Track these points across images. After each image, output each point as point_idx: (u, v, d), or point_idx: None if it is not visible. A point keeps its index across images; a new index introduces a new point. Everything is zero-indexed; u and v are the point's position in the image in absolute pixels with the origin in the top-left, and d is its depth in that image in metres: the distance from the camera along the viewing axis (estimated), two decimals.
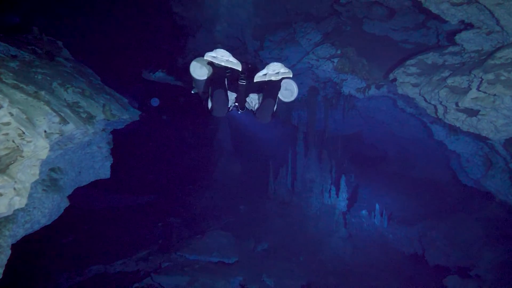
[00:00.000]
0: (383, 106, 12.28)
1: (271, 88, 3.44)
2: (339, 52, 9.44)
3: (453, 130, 9.07)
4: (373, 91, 9.33)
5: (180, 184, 19.18)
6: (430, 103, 6.35)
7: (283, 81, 3.53)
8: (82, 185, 7.81)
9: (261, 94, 3.70)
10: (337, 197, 14.33)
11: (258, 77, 3.39)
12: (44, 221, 6.27)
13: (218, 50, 3.33)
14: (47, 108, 5.05)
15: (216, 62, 3.28)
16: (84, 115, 6.58)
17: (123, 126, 8.85)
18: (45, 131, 4.97)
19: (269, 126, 20.45)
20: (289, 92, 3.74)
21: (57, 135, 5.27)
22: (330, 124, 14.17)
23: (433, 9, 5.90)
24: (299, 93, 12.73)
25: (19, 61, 6.65)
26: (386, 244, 13.50)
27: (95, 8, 14.05)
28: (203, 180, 19.36)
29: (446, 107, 5.93)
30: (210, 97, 3.48)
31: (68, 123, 5.46)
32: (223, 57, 3.30)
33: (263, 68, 3.43)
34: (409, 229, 13.63)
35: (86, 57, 10.17)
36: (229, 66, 3.29)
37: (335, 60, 9.53)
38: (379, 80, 8.94)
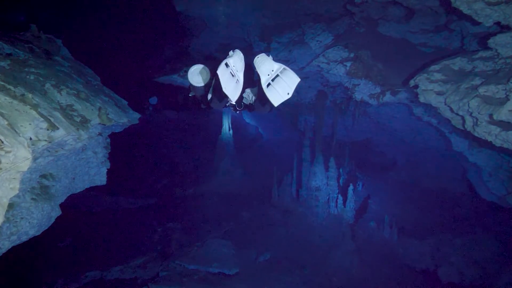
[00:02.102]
0: (396, 113, 11.69)
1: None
2: (352, 55, 8.87)
3: (477, 141, 8.50)
4: (388, 97, 8.75)
5: (181, 187, 18.63)
6: (457, 113, 5.77)
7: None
8: (76, 192, 7.26)
9: (256, 88, 3.70)
10: (344, 207, 13.74)
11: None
12: (33, 232, 5.75)
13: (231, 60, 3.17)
14: (34, 112, 4.50)
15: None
16: (78, 119, 6.03)
17: (121, 130, 8.31)
18: (30, 138, 4.42)
19: (274, 130, 19.92)
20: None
21: (45, 143, 4.72)
22: (339, 130, 13.57)
23: (464, 9, 5.34)
24: (306, 97, 12.12)
25: (12, 60, 6.13)
26: (395, 258, 12.88)
27: (98, 7, 13.63)
28: (204, 184, 18.81)
29: (477, 119, 5.34)
30: (211, 90, 3.53)
31: (58, 128, 4.91)
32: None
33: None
34: (420, 244, 13.03)
35: (87, 56, 9.70)
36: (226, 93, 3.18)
37: (348, 64, 8.96)
38: (396, 86, 8.36)
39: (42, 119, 4.57)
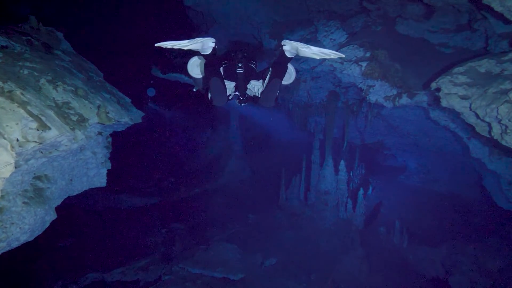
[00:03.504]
0: (410, 116, 11.17)
1: (277, 68, 3.50)
2: (368, 54, 8.38)
3: (498, 149, 7.99)
4: (404, 100, 8.25)
5: (186, 186, 18.28)
6: (483, 120, 5.29)
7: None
8: (73, 194, 6.91)
9: (261, 80, 3.82)
10: (354, 211, 13.27)
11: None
12: (25, 238, 5.39)
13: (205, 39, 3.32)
14: (21, 111, 4.13)
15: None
16: (74, 118, 5.66)
17: (123, 129, 7.94)
18: (17, 140, 4.05)
19: (283, 130, 19.47)
20: (288, 75, 3.75)
21: (34, 144, 4.35)
22: (350, 132, 13.08)
23: (496, 6, 4.86)
24: (317, 98, 11.64)
25: (5, 53, 5.76)
26: (405, 265, 12.40)
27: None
28: (210, 183, 18.45)
29: (506, 126, 4.87)
30: (209, 88, 3.56)
31: (50, 128, 4.53)
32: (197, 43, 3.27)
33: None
34: (431, 251, 12.54)
35: (90, 51, 9.36)
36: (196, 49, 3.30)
37: (363, 63, 8.47)
38: (414, 88, 7.86)
39: (31, 118, 4.20)
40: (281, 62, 3.50)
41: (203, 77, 3.71)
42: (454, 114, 7.18)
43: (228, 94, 3.69)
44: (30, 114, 4.22)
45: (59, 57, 7.37)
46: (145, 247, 13.48)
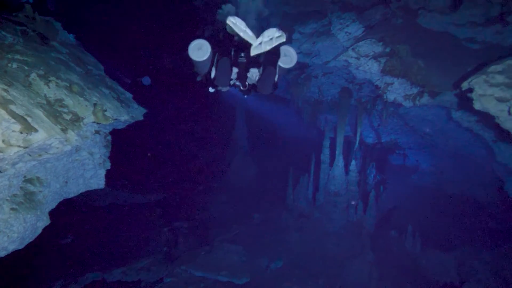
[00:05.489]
0: (428, 115, 10.55)
1: (270, 56, 3.63)
2: (388, 50, 7.76)
3: None
4: (426, 99, 7.66)
5: (190, 184, 17.79)
6: None
7: (281, 48, 3.72)
8: (69, 197, 6.41)
9: (260, 68, 3.82)
10: (365, 214, 12.69)
11: (254, 48, 3.53)
12: (13, 247, 4.92)
13: (236, 17, 3.45)
14: (2, 111, 3.59)
15: (236, 29, 3.45)
16: (68, 117, 5.12)
17: (124, 127, 7.42)
18: None
19: (292, 127, 18.91)
20: (288, 58, 3.80)
21: (18, 149, 3.82)
22: (363, 131, 12.47)
23: None
24: (328, 94, 11.01)
25: None
26: (417, 271, 11.84)
27: None
28: (215, 181, 17.95)
29: None
30: (215, 66, 3.68)
31: (37, 131, 3.99)
32: (241, 25, 3.45)
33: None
34: (445, 256, 11.97)
35: (91, 43, 8.83)
36: (245, 38, 3.48)
37: (382, 60, 7.85)
38: (439, 87, 7.25)
39: (13, 120, 3.66)
40: (272, 52, 3.59)
41: (206, 59, 3.67)
42: (482, 116, 6.59)
43: (231, 77, 3.84)
44: (12, 114, 3.68)
45: (55, 49, 6.83)
46: (147, 246, 13.03)
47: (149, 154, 17.03)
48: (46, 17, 7.45)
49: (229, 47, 3.66)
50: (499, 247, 11.74)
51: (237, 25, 3.42)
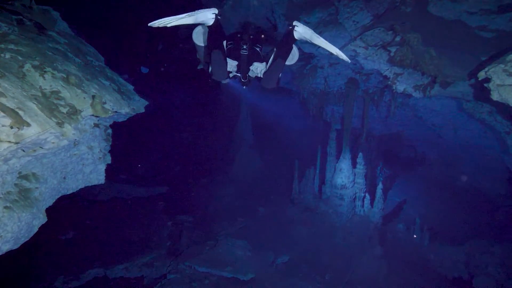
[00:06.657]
0: (437, 106, 10.23)
1: (282, 48, 3.56)
2: (398, 39, 7.43)
3: None
4: (437, 90, 7.35)
5: (194, 176, 17.58)
6: None
7: None
8: (68, 194, 6.20)
9: (264, 63, 3.88)
10: (372, 207, 12.45)
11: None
12: (8, 247, 4.70)
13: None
14: None
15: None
16: (64, 110, 4.87)
17: (125, 119, 7.16)
18: None
19: (298, 119, 18.59)
20: (291, 56, 3.76)
21: (9, 144, 3.59)
22: (370, 122, 12.16)
23: None
24: (334, 85, 10.66)
25: None
26: (426, 265, 11.62)
27: None
28: (219, 174, 17.73)
29: None
30: (210, 61, 3.63)
31: (30, 125, 3.76)
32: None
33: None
34: (454, 250, 11.74)
35: (90, 32, 8.58)
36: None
37: (392, 49, 7.53)
38: (451, 77, 6.93)
39: (3, 113, 3.43)
40: (287, 42, 3.52)
41: (205, 46, 3.75)
42: (498, 107, 6.29)
43: (229, 70, 3.82)
44: (3, 108, 3.45)
45: (53, 39, 6.56)
46: (150, 241, 12.86)
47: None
48: (44, 6, 7.21)
49: (220, 39, 3.60)
50: (508, 240, 11.50)
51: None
